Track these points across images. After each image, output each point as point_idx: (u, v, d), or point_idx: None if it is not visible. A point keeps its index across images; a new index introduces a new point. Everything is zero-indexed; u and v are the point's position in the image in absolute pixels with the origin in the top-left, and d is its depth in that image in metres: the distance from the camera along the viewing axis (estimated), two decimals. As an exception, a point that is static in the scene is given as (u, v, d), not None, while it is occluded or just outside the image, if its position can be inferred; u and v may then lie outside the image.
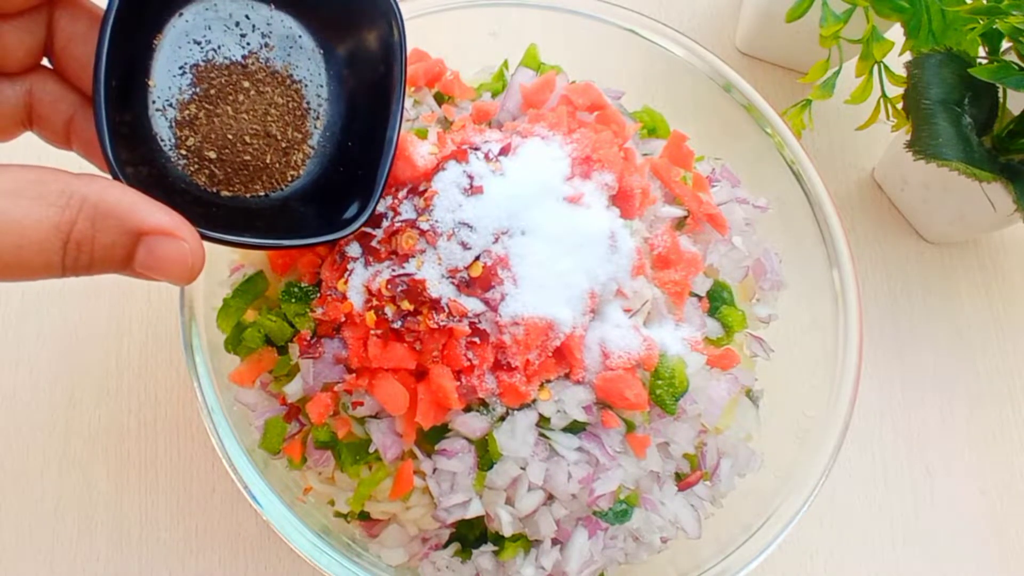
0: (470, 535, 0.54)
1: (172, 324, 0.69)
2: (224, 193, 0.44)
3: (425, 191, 0.51)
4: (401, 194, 0.53)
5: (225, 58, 0.44)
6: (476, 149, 0.52)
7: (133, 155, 0.40)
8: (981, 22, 0.66)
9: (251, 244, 0.42)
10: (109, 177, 0.38)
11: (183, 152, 0.43)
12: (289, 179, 0.47)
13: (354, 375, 0.52)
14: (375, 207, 0.47)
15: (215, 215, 0.43)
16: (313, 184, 0.47)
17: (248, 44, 0.45)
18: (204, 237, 0.39)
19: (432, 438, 0.52)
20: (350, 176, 0.48)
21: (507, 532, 0.52)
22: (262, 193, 0.46)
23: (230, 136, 0.44)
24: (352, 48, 0.47)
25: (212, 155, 0.44)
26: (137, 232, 0.36)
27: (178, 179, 0.43)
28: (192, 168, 0.43)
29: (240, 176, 0.45)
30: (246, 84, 0.45)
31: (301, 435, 0.54)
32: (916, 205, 0.78)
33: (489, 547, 0.53)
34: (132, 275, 0.38)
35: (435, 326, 0.49)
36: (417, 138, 0.54)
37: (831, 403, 0.59)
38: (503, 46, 0.65)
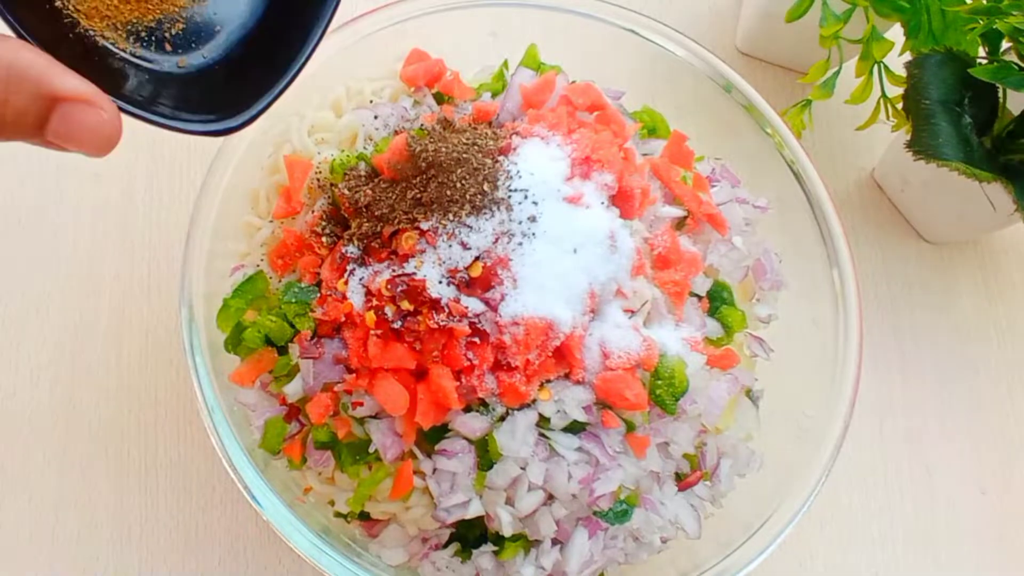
0: (470, 535, 0.54)
1: (172, 324, 0.69)
2: (134, 53, 0.40)
3: (425, 191, 0.51)
4: (401, 194, 0.53)
5: None
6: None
7: (33, 14, 0.36)
8: (981, 22, 0.66)
9: (163, 124, 0.39)
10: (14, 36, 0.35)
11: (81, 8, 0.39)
12: (204, 43, 0.42)
13: (354, 375, 0.52)
14: (267, 106, 0.41)
15: (124, 84, 0.39)
16: (228, 57, 0.42)
17: None
18: (119, 109, 0.37)
19: (432, 438, 0.52)
20: (265, 55, 0.42)
21: (507, 532, 0.52)
22: (176, 57, 0.41)
23: None
24: None
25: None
26: (52, 98, 0.33)
27: (81, 41, 0.39)
28: (98, 28, 0.39)
29: (151, 34, 0.41)
30: None
31: (301, 435, 0.54)
32: (916, 205, 0.78)
33: (489, 547, 0.53)
34: (43, 144, 0.35)
35: (435, 326, 0.49)
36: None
37: (831, 403, 0.59)
38: (503, 46, 0.65)
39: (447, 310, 0.49)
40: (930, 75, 0.67)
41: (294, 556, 0.62)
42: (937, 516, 0.71)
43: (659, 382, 0.53)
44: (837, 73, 0.71)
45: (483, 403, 0.51)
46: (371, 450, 0.53)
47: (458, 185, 0.50)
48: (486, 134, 0.54)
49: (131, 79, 0.40)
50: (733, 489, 0.59)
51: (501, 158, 0.52)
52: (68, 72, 0.34)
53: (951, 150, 0.65)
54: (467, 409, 0.51)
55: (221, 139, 0.50)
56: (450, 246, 0.50)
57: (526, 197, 0.51)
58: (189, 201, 0.73)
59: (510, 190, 0.51)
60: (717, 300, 0.59)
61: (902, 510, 0.71)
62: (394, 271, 0.51)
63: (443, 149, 0.51)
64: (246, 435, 0.54)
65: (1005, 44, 0.68)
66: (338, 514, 0.56)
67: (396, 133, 0.58)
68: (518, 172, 0.52)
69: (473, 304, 0.50)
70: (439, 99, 0.62)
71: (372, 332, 0.51)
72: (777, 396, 0.61)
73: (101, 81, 0.36)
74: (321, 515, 0.56)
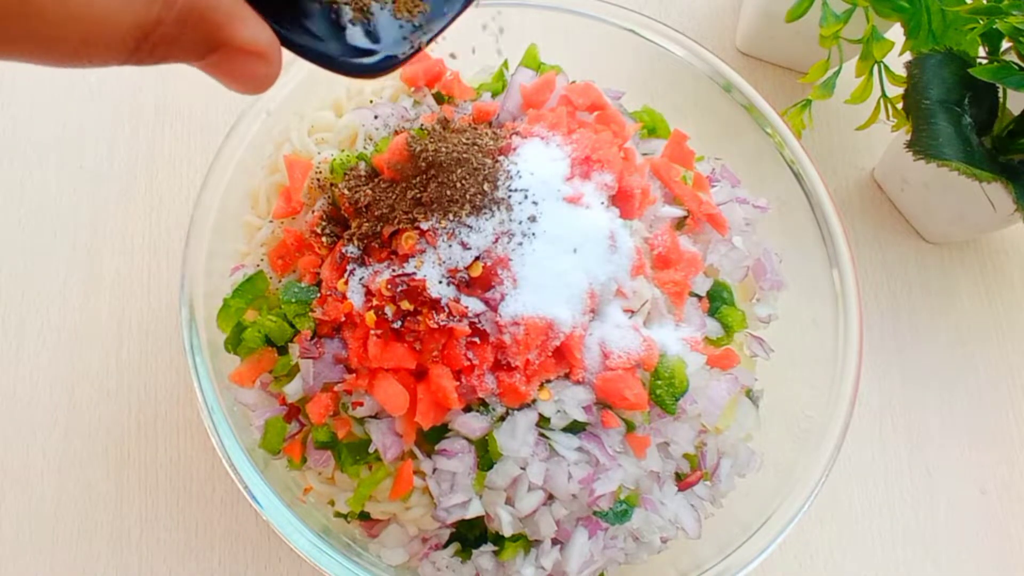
0: (470, 535, 0.54)
1: (172, 324, 0.69)
2: None
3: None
4: (401, 194, 0.53)
5: None
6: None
7: None
8: (981, 22, 0.66)
9: (327, 63, 0.36)
10: None
11: None
12: None
13: (354, 375, 0.52)
14: (433, 38, 0.38)
15: (292, 18, 0.36)
16: None
17: None
18: (283, 42, 0.34)
19: (432, 438, 0.52)
20: None
21: (507, 532, 0.52)
22: None
23: None
24: None
25: None
26: (227, 45, 0.31)
27: None
28: None
29: None
30: None
31: (301, 435, 0.54)
32: (916, 205, 0.78)
33: (489, 547, 0.53)
34: (191, 65, 0.32)
35: (435, 326, 0.49)
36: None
37: (831, 403, 0.59)
38: (503, 46, 0.65)
39: (447, 310, 0.49)
40: (930, 75, 0.67)
41: (294, 556, 0.62)
42: (937, 516, 0.71)
43: (659, 382, 0.53)
44: (837, 73, 0.71)
45: (483, 403, 0.51)
46: (371, 450, 0.53)
47: (458, 185, 0.50)
48: (486, 134, 0.54)
49: (299, 10, 0.36)
50: (733, 489, 0.59)
51: (501, 158, 0.52)
52: (251, 16, 0.32)
53: (951, 150, 0.65)
54: (467, 409, 0.51)
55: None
56: (450, 246, 0.50)
57: (526, 197, 0.51)
58: (189, 201, 0.73)
59: (510, 190, 0.51)
60: (717, 300, 0.59)
61: (902, 510, 0.71)
62: (394, 271, 0.51)
63: (443, 149, 0.51)
64: (246, 435, 0.54)
65: (1005, 44, 0.68)
66: (338, 514, 0.56)
67: (396, 133, 0.58)
68: (518, 172, 0.52)
69: (473, 304, 0.50)
70: (439, 99, 0.62)
71: (372, 332, 0.51)
72: (777, 396, 0.61)
73: (263, 8, 0.33)
74: (321, 515, 0.56)
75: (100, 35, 0.28)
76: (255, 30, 0.32)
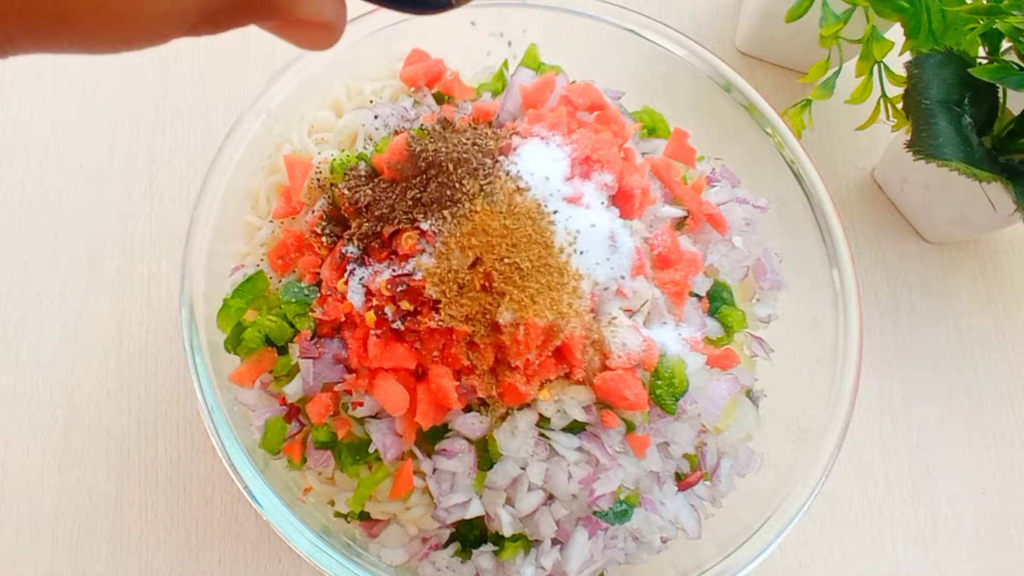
0: (470, 535, 0.54)
1: (172, 324, 0.69)
2: None
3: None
4: (401, 194, 0.53)
5: None
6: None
7: None
8: (981, 22, 0.66)
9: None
10: None
11: None
12: None
13: (354, 375, 0.52)
14: None
15: None
16: None
17: None
18: None
19: (432, 438, 0.52)
20: None
21: (507, 532, 0.52)
22: None
23: None
24: None
25: None
26: (291, 20, 0.29)
27: None
28: None
29: None
30: None
31: (301, 435, 0.54)
32: (916, 205, 0.78)
33: (489, 547, 0.53)
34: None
35: (435, 326, 0.49)
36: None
37: (831, 403, 0.59)
38: (503, 46, 0.65)
39: (447, 310, 0.49)
40: (930, 75, 0.67)
41: (294, 556, 0.62)
42: (937, 516, 0.71)
43: (659, 382, 0.53)
44: (837, 73, 0.71)
45: (483, 403, 0.51)
46: (371, 450, 0.53)
47: (458, 185, 0.50)
48: (486, 134, 0.54)
49: None
50: (733, 489, 0.59)
51: (501, 158, 0.52)
52: None
53: (951, 150, 0.65)
54: (467, 409, 0.51)
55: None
56: (450, 246, 0.50)
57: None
58: (189, 201, 0.73)
59: (510, 190, 0.51)
60: (717, 300, 0.59)
61: (902, 510, 0.71)
62: (394, 271, 0.51)
63: (443, 149, 0.51)
64: (246, 435, 0.54)
65: (1005, 44, 0.68)
66: (338, 514, 0.56)
67: (396, 133, 0.58)
68: (518, 172, 0.52)
69: (473, 304, 0.50)
70: (439, 99, 0.62)
71: (372, 332, 0.51)
72: (777, 396, 0.61)
73: None
74: (321, 515, 0.56)
75: (164, 22, 0.27)
76: (319, 2, 0.30)
